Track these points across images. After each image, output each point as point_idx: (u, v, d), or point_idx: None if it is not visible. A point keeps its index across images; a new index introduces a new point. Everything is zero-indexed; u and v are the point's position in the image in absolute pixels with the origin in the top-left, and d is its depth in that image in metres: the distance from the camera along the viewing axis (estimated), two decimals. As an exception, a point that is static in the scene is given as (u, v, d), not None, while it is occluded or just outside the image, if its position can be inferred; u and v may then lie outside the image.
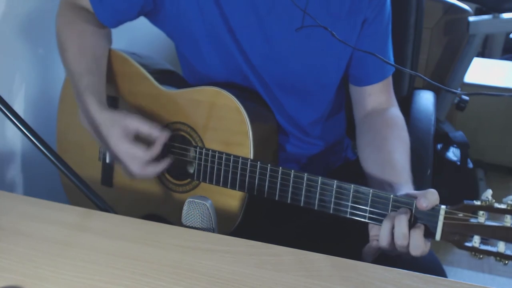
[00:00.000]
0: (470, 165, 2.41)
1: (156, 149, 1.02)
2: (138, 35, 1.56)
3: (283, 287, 0.73)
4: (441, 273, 1.01)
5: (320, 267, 0.77)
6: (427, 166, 1.30)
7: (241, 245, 0.82)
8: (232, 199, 1.04)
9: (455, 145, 2.41)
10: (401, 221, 0.86)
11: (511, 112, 2.57)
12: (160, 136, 1.02)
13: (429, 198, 0.86)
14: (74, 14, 1.13)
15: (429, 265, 1.01)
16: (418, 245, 0.86)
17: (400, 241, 0.86)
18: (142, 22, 1.16)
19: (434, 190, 0.87)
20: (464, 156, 2.36)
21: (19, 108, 1.30)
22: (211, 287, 0.73)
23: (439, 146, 2.44)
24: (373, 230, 0.94)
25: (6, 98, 0.88)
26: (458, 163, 2.37)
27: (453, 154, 2.41)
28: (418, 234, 0.86)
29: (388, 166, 1.01)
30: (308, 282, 0.74)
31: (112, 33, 1.19)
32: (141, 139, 1.03)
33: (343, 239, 1.08)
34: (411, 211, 0.88)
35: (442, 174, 2.36)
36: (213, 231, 0.86)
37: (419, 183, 0.97)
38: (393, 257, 0.90)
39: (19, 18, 1.27)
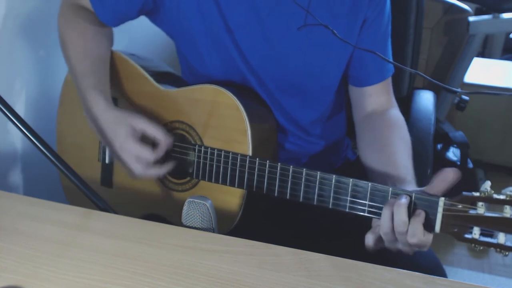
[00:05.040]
0: (470, 165, 2.41)
1: (160, 152, 1.03)
2: (138, 35, 1.56)
3: (283, 287, 0.73)
4: (441, 273, 1.01)
5: (320, 267, 0.77)
6: (427, 166, 1.30)
7: (241, 245, 0.82)
8: (231, 196, 1.04)
9: (455, 145, 2.41)
10: (400, 207, 0.86)
11: (511, 112, 2.57)
12: (164, 140, 1.02)
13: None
14: (75, 14, 1.13)
15: (429, 265, 1.01)
16: (416, 232, 0.85)
17: (400, 227, 0.86)
18: (142, 22, 1.15)
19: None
20: (464, 156, 2.36)
21: (19, 108, 1.30)
22: (211, 287, 0.73)
23: (439, 146, 2.44)
24: (375, 221, 0.94)
25: (6, 98, 0.88)
26: (458, 163, 2.37)
27: (453, 154, 2.41)
28: (417, 222, 0.85)
29: (391, 167, 1.01)
30: (308, 282, 0.74)
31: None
32: (145, 140, 1.03)
33: (343, 239, 1.08)
34: (411, 198, 0.88)
35: (442, 174, 2.35)
36: (213, 231, 0.86)
37: (419, 183, 0.97)
38: (393, 257, 0.90)
39: (19, 18, 1.26)
